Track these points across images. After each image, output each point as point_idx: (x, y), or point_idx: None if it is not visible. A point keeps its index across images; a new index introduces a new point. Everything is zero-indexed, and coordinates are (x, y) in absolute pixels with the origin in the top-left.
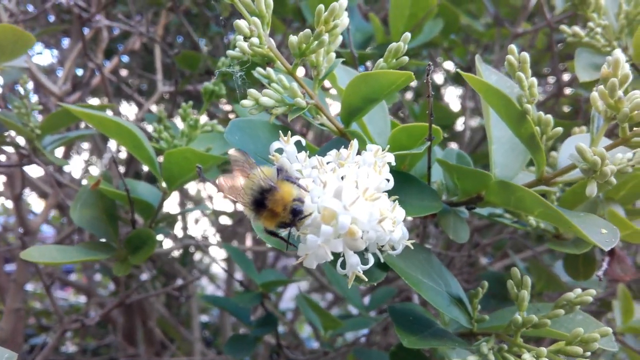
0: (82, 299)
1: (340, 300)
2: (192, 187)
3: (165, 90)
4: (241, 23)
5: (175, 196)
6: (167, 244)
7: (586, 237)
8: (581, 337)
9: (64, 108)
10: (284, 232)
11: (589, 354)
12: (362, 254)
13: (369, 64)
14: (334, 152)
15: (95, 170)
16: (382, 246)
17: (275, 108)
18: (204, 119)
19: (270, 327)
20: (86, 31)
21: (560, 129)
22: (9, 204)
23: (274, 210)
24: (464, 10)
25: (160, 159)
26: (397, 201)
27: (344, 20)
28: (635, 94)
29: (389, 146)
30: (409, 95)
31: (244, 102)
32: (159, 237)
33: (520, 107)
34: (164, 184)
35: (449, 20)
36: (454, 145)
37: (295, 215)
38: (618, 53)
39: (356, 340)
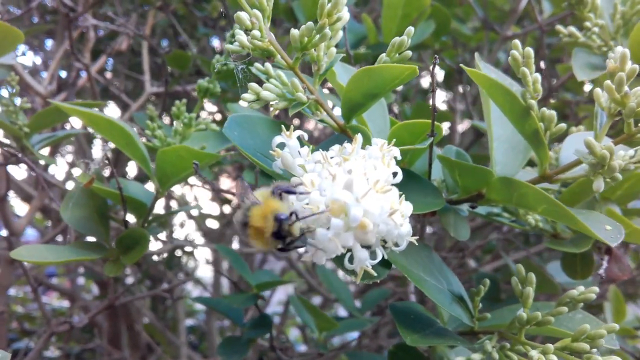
0: (65, 303)
1: (328, 303)
2: (176, 188)
3: (153, 92)
4: (242, 15)
5: (161, 199)
6: (156, 246)
7: (592, 233)
8: (587, 333)
9: (52, 106)
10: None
11: (595, 350)
12: (368, 249)
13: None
14: (336, 147)
15: (79, 172)
16: (385, 242)
17: (276, 103)
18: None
19: (264, 329)
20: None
21: (564, 125)
22: None
23: (254, 226)
24: (452, 14)
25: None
26: (403, 195)
27: (345, 14)
28: None
29: (395, 140)
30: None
31: (245, 95)
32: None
33: (524, 102)
34: (157, 184)
35: (440, 22)
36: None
37: (281, 222)
38: (623, 48)
39: (346, 344)
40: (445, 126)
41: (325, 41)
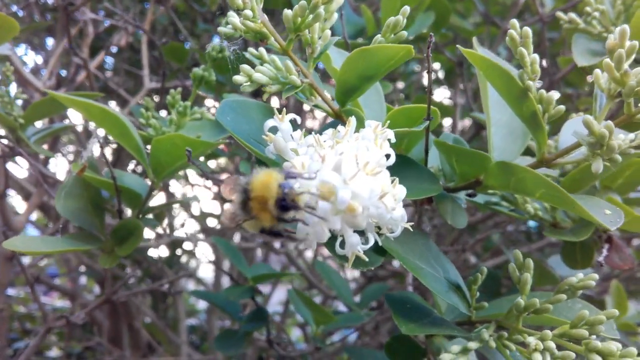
0: (67, 304)
1: (329, 300)
2: (178, 188)
3: (152, 87)
4: None
5: (161, 197)
6: (157, 248)
7: (591, 217)
8: (586, 320)
9: (48, 97)
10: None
11: (594, 337)
12: (362, 235)
13: None
14: (330, 130)
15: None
16: (380, 229)
17: (269, 86)
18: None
19: (261, 322)
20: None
21: (563, 107)
22: None
23: (258, 196)
24: (453, 9)
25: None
26: (397, 179)
27: None
28: None
29: (389, 122)
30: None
31: (237, 77)
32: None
33: (521, 84)
34: (151, 174)
35: (440, 14)
36: None
37: (285, 189)
38: (626, 26)
39: (344, 338)
40: (447, 123)
41: (319, 22)
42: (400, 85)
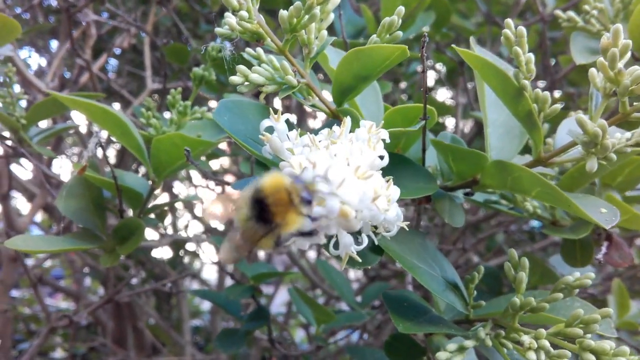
0: (72, 305)
1: (332, 300)
2: (182, 189)
3: (154, 88)
4: None
5: (165, 198)
6: (160, 248)
7: (586, 215)
8: (581, 318)
9: (50, 97)
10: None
11: (589, 336)
12: (355, 235)
13: None
14: (325, 130)
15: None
16: (376, 228)
17: (266, 86)
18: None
19: (261, 321)
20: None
21: (558, 106)
22: None
23: (279, 199)
24: (455, 9)
25: None
26: (391, 180)
27: None
28: (636, 68)
29: (382, 122)
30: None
31: (233, 78)
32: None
33: (517, 83)
34: (152, 173)
35: (440, 13)
36: None
37: (300, 182)
38: (619, 25)
39: (346, 337)
40: (450, 123)
41: (315, 22)
42: (403, 85)
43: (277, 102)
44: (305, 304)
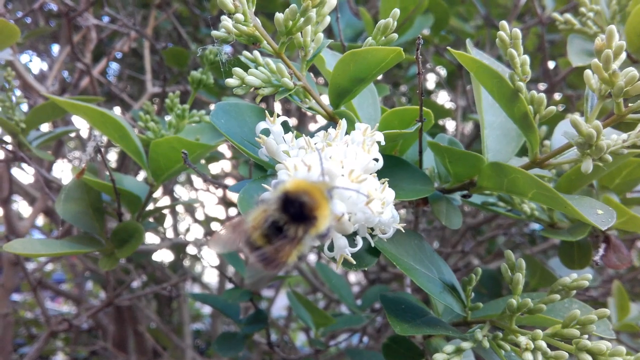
0: (74, 309)
1: (332, 304)
2: (183, 193)
3: (154, 92)
4: None
5: (166, 202)
6: (159, 251)
7: (582, 217)
8: (578, 319)
9: (49, 101)
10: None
11: (586, 337)
12: (351, 237)
13: None
14: (321, 133)
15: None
16: (373, 230)
17: (262, 89)
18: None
19: (260, 325)
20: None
21: (554, 108)
22: None
23: (314, 196)
24: (454, 12)
25: None
26: (386, 182)
27: None
28: (631, 69)
29: (377, 124)
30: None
31: (230, 80)
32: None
33: (512, 85)
34: (150, 177)
35: (439, 16)
36: None
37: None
38: (612, 27)
39: (346, 339)
40: (451, 126)
41: (311, 25)
42: (404, 88)
43: (278, 106)
44: (303, 308)
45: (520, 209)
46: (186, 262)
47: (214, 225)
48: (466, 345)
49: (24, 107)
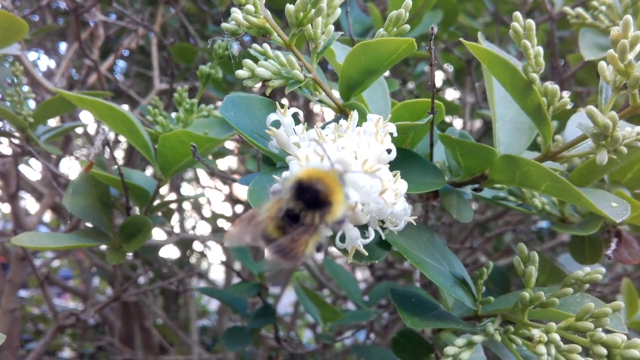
0: (81, 306)
1: (339, 300)
2: (190, 190)
3: (162, 88)
4: None
5: (173, 197)
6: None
7: (597, 209)
8: (592, 312)
9: (57, 96)
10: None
11: (600, 329)
12: (362, 229)
13: None
14: (332, 124)
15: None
16: (384, 222)
17: (272, 81)
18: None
19: (268, 319)
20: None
21: (567, 100)
22: (7, 209)
23: (328, 182)
24: (463, 9)
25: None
26: (398, 173)
27: None
28: None
29: (390, 116)
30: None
31: (240, 72)
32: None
33: (526, 76)
34: (159, 171)
35: (448, 12)
36: None
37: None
38: (628, 17)
39: (353, 334)
40: (458, 124)
41: (322, 16)
42: (411, 85)
43: (285, 103)
44: (311, 302)
45: (531, 203)
46: (193, 259)
47: (221, 222)
48: (478, 338)
49: (32, 103)
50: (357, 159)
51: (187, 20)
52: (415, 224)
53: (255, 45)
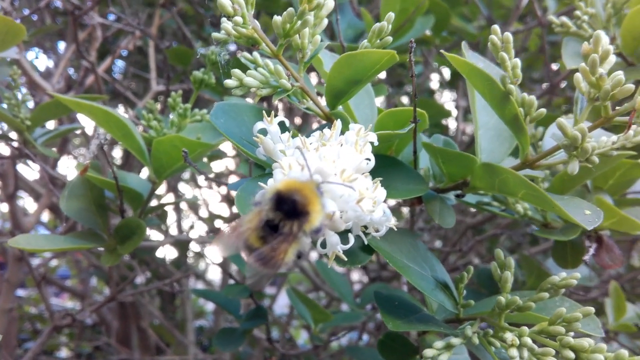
0: (78, 305)
1: (334, 302)
2: (187, 190)
3: (159, 90)
4: (224, 1)
5: (170, 199)
6: (162, 247)
7: (569, 216)
8: (564, 316)
9: (54, 99)
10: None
11: (572, 334)
12: (344, 234)
13: None
14: (317, 133)
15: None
16: (366, 228)
17: (260, 90)
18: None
19: (259, 320)
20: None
21: (544, 110)
22: (5, 209)
23: (305, 194)
24: (458, 13)
25: None
26: (378, 182)
27: (329, 2)
28: (618, 73)
29: (371, 125)
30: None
31: (228, 82)
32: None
33: (503, 87)
34: (153, 174)
35: (440, 17)
36: None
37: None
38: (600, 32)
39: (342, 336)
40: (454, 125)
41: (308, 28)
42: (408, 88)
43: (282, 106)
44: (302, 304)
45: (513, 209)
46: (190, 260)
47: (218, 223)
48: (456, 341)
49: (30, 104)
50: (336, 167)
51: (183, 23)
52: (396, 229)
53: (245, 54)
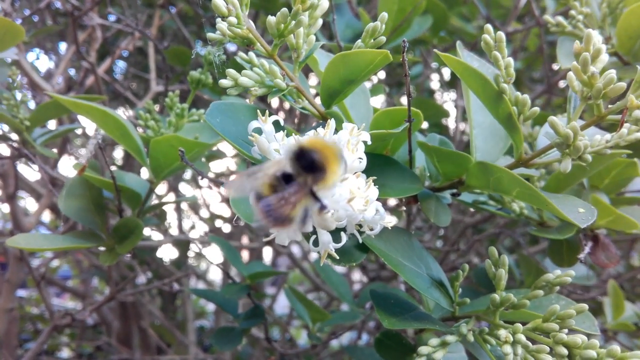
0: (79, 305)
1: (334, 302)
2: (188, 190)
3: (159, 90)
4: (218, 2)
5: (171, 198)
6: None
7: (562, 214)
8: (557, 314)
9: (53, 100)
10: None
11: (565, 331)
12: (336, 233)
13: None
14: (311, 132)
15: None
16: (361, 226)
17: (255, 89)
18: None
19: (257, 319)
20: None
21: (537, 109)
22: (6, 209)
23: (327, 153)
24: (457, 12)
25: None
26: (371, 181)
27: (323, 2)
28: (610, 72)
29: (364, 124)
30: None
31: (223, 81)
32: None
33: (497, 87)
34: (151, 174)
35: (438, 17)
36: None
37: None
38: (591, 31)
39: (341, 334)
40: (453, 125)
41: (302, 28)
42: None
43: (282, 104)
44: (300, 303)
45: (509, 208)
46: (191, 260)
47: (218, 223)
48: (451, 338)
49: (31, 104)
50: None
51: (183, 24)
52: (390, 228)
53: (241, 54)
